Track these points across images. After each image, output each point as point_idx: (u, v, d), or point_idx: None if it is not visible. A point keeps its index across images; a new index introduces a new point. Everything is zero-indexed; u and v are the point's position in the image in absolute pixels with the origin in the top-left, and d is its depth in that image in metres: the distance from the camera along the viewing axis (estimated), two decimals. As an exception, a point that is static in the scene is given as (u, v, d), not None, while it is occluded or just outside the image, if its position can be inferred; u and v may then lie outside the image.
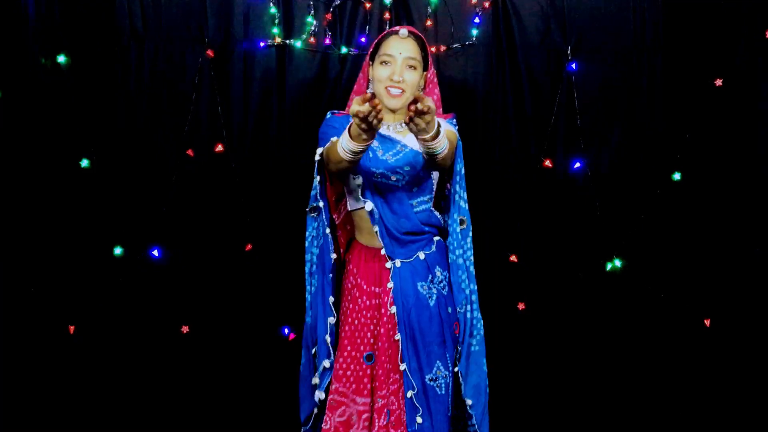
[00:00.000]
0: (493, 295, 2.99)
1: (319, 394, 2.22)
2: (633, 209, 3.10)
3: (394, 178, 2.14)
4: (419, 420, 2.09)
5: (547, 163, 3.07)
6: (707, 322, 3.05)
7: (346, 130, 1.89)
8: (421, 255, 2.18)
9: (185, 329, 3.05)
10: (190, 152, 3.00)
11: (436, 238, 2.24)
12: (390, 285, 2.14)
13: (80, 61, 2.96)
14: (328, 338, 2.19)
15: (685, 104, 3.04)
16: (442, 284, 2.19)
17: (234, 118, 3.05)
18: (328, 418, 2.17)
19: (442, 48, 3.05)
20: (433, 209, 2.25)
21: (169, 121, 3.02)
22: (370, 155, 2.13)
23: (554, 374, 3.14)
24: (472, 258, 2.24)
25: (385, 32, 2.22)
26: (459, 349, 2.18)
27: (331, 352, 2.20)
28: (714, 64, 3.01)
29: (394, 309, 2.12)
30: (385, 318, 2.15)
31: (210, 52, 2.98)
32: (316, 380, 2.26)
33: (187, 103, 3.00)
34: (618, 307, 3.11)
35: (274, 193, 3.06)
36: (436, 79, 2.32)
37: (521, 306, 3.13)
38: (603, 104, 3.09)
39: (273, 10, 2.99)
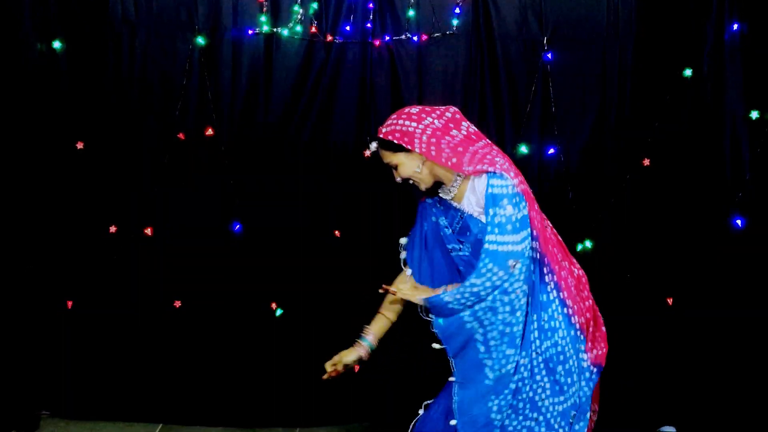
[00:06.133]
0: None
1: None
2: (604, 193, 3.25)
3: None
4: None
5: (522, 149, 3.21)
6: (670, 301, 3.23)
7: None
8: None
9: (177, 304, 3.20)
10: (181, 136, 3.12)
11: None
12: None
13: (74, 47, 3.07)
14: None
15: (655, 93, 3.18)
16: None
17: (223, 102, 3.17)
18: None
19: (424, 37, 3.17)
20: None
21: (160, 105, 3.13)
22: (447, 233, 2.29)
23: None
24: None
25: None
26: None
27: None
28: (684, 54, 3.15)
29: None
30: None
31: (199, 39, 3.09)
32: None
33: (177, 88, 3.12)
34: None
35: (262, 174, 3.20)
36: (437, 133, 2.13)
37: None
38: (576, 92, 3.22)
39: (261, -2, 3.10)
